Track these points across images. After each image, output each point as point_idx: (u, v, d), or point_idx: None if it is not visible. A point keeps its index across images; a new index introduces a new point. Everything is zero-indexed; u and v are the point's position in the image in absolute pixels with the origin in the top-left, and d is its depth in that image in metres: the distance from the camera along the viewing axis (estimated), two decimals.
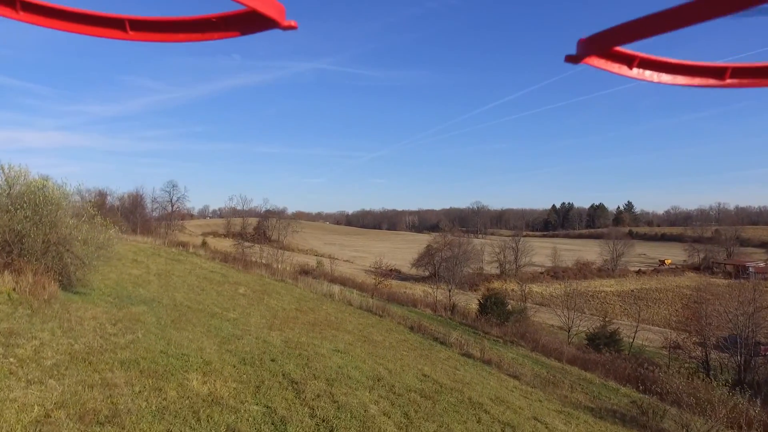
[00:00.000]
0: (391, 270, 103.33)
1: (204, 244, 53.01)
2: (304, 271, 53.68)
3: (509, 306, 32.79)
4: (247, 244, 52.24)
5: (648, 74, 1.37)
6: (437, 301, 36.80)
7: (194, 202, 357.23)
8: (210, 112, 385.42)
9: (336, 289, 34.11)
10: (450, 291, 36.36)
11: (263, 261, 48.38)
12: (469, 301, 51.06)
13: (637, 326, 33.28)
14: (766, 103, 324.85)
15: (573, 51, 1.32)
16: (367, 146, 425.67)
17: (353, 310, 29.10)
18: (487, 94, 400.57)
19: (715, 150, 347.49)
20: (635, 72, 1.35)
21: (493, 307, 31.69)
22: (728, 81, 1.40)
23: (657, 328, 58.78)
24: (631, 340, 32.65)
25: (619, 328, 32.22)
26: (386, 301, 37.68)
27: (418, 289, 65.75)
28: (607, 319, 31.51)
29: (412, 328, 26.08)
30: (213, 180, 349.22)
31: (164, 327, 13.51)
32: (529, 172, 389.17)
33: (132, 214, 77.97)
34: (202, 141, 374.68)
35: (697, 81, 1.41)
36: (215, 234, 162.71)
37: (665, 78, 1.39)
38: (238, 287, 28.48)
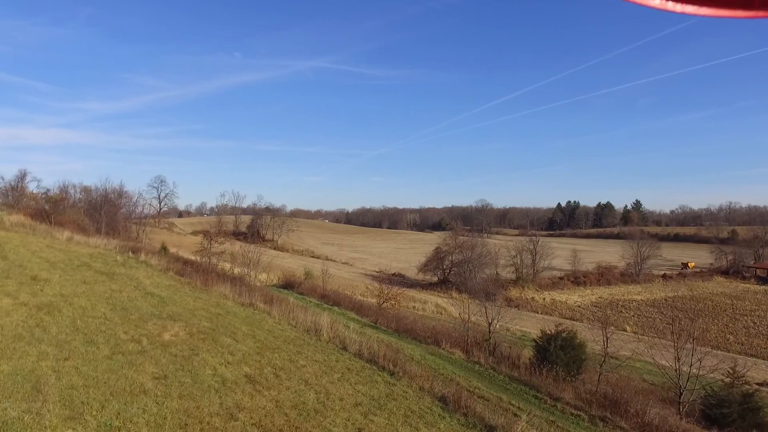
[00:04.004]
0: (394, 274, 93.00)
1: (163, 248, 42.46)
2: (289, 284, 43.25)
3: (579, 348, 22.00)
4: (216, 248, 41.18)
5: (671, 5, 1.33)
6: (467, 332, 26.24)
7: (192, 200, 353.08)
8: (210, 109, 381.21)
9: (325, 319, 23.66)
10: (490, 323, 25.45)
11: (236, 270, 37.84)
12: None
13: None
14: (765, 103, 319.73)
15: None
16: (368, 144, 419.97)
17: (349, 362, 18.67)
18: (488, 92, 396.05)
19: (719, 149, 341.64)
20: (658, 2, 1.32)
21: (558, 352, 21.08)
22: (757, 12, 1.27)
23: (720, 351, 48.27)
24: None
25: (757, 390, 21.55)
26: (396, 336, 27.27)
27: (430, 303, 55.50)
28: (737, 375, 20.83)
29: (444, 402, 15.67)
30: (212, 177, 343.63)
31: None
32: (532, 171, 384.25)
33: (97, 212, 67.78)
34: (202, 138, 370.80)
35: (723, 12, 1.29)
36: (205, 233, 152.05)
37: (689, 8, 1.31)
38: (167, 326, 18.06)
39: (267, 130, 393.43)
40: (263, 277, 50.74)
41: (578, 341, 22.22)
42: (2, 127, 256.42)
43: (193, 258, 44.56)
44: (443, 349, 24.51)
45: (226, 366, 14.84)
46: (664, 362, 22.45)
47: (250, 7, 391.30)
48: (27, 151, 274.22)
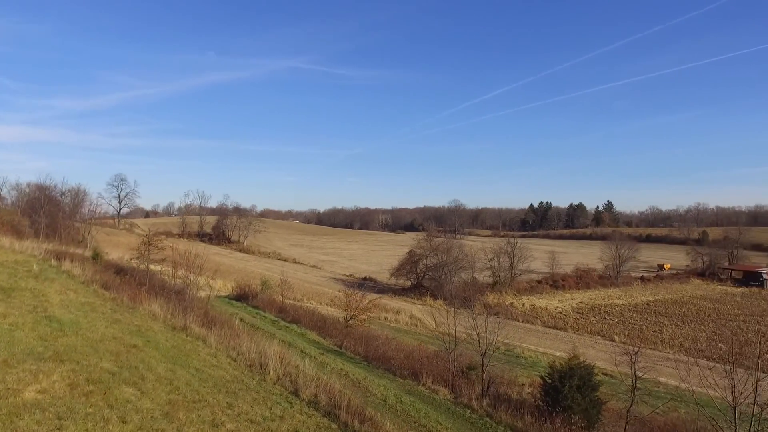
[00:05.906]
0: (365, 278, 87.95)
1: (96, 255, 36.57)
2: (244, 295, 37.85)
3: (597, 385, 17.20)
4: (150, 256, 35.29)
5: None
6: (453, 361, 21.36)
7: (162, 200, 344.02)
8: (185, 108, 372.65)
9: (275, 349, 18.51)
10: (483, 354, 20.27)
11: (179, 280, 32.27)
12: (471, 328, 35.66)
13: None
14: (733, 107, 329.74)
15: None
16: (342, 144, 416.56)
17: (299, 419, 13.61)
18: (462, 93, 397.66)
19: (689, 151, 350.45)
20: None
21: (575, 394, 16.31)
22: None
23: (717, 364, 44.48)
24: None
25: None
26: (365, 365, 22.34)
27: (404, 313, 50.62)
28: None
29: None
30: (186, 177, 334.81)
31: None
32: (505, 172, 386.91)
33: (36, 213, 61.02)
34: (177, 138, 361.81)
35: None
36: (168, 234, 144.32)
37: None
38: (41, 374, 12.67)
39: (242, 130, 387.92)
40: (218, 284, 45.21)
41: (598, 379, 17.54)
42: None
43: (134, 265, 38.84)
44: (423, 385, 19.64)
45: None
46: (706, 390, 18.09)
47: (226, 7, 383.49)
48: None
